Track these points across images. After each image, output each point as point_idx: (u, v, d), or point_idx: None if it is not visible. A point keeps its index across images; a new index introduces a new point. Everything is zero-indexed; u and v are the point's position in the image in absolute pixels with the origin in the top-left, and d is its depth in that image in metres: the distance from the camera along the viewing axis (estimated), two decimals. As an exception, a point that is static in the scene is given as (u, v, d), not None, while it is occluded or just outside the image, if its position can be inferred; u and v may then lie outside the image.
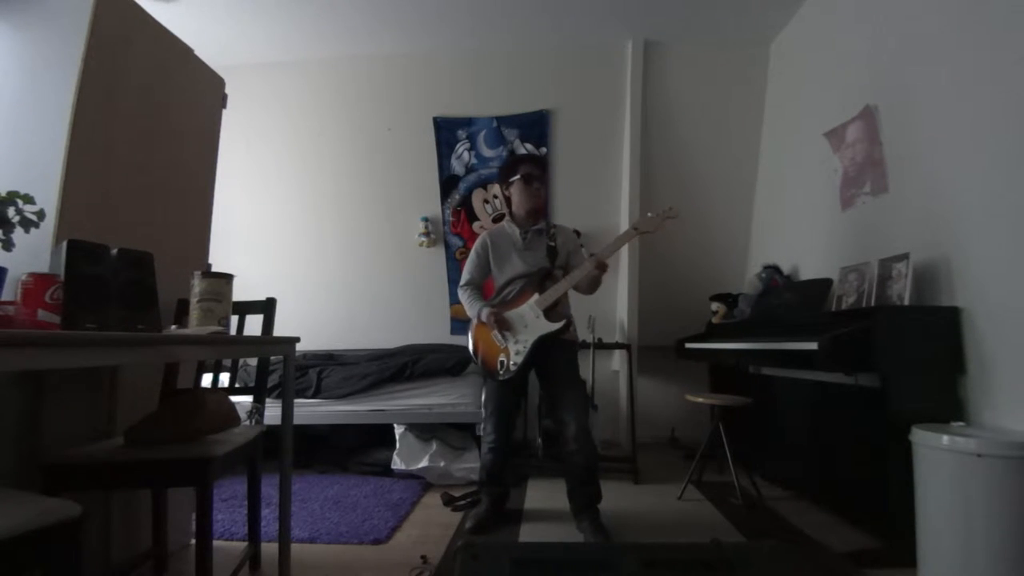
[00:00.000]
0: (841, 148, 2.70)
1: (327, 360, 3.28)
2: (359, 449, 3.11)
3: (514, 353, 2.12)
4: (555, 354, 2.16)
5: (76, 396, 1.51)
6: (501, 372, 2.15)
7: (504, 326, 2.14)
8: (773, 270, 3.08)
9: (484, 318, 2.16)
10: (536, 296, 2.14)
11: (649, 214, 2.20)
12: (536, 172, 2.26)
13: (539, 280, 2.18)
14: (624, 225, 3.73)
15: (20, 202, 1.19)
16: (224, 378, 1.87)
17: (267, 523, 2.07)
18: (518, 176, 2.25)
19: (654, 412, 3.72)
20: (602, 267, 2.08)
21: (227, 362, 2.17)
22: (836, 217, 2.74)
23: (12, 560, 0.84)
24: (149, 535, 1.65)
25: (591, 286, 2.17)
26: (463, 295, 2.29)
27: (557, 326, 2.10)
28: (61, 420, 1.44)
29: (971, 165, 1.93)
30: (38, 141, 1.45)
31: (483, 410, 2.33)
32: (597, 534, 2.02)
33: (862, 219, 2.55)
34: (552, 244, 2.23)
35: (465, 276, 2.32)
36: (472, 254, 2.32)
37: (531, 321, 2.13)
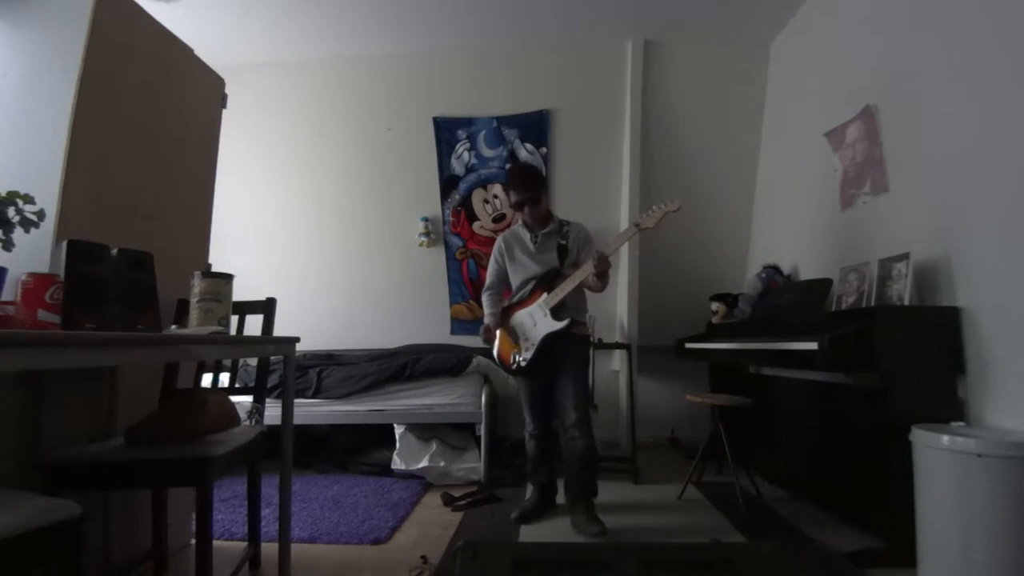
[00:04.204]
0: (841, 148, 2.70)
1: (327, 360, 3.28)
2: (359, 449, 3.11)
3: (524, 350, 2.24)
4: (563, 347, 2.21)
5: (76, 396, 1.50)
6: (513, 367, 2.28)
7: (497, 336, 2.31)
8: (773, 270, 3.08)
9: (482, 332, 2.32)
10: (545, 295, 2.21)
11: (653, 208, 2.13)
12: (525, 197, 2.23)
13: (549, 279, 2.24)
14: (624, 225, 3.73)
15: (20, 202, 1.19)
16: (224, 378, 1.87)
17: (267, 523, 2.07)
18: (512, 203, 2.31)
19: (654, 412, 3.72)
20: (603, 263, 2.03)
21: (227, 362, 2.17)
22: (836, 217, 2.74)
23: (12, 560, 0.84)
24: (149, 535, 1.65)
25: (598, 283, 2.14)
26: (484, 299, 2.43)
27: (561, 325, 2.16)
28: (61, 420, 1.43)
29: (971, 164, 1.93)
30: (38, 141, 1.45)
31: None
32: (591, 524, 2.04)
33: (862, 219, 2.55)
34: (563, 243, 2.27)
35: (487, 281, 2.44)
36: (491, 259, 2.43)
37: (540, 319, 2.22)
